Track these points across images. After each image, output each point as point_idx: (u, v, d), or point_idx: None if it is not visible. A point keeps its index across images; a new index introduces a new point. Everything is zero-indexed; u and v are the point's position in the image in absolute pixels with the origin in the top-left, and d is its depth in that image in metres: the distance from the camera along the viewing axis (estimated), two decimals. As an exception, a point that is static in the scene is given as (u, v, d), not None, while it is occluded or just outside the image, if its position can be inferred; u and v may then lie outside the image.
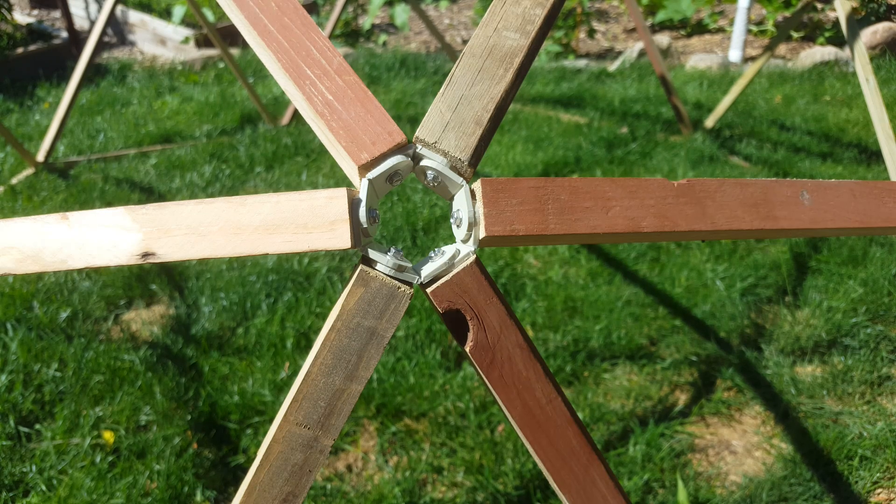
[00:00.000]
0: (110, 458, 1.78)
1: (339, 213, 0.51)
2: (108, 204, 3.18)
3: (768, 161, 3.57)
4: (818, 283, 2.48)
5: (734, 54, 5.48)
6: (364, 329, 0.56)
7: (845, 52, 5.17)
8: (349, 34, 6.25)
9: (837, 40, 5.54)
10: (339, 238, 0.51)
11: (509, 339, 0.52)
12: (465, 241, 0.51)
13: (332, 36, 5.43)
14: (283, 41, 0.53)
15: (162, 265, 2.67)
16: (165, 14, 5.80)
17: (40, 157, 3.42)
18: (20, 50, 4.95)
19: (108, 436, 1.84)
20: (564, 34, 5.86)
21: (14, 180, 3.34)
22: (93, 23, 6.01)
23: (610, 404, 1.97)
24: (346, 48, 5.96)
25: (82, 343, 2.17)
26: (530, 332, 2.26)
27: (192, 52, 5.49)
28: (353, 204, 0.51)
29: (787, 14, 6.03)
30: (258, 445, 1.86)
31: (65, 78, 4.77)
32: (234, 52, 5.31)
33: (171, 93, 4.76)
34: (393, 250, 0.58)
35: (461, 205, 0.50)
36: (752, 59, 5.53)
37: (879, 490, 1.71)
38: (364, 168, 0.50)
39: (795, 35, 5.88)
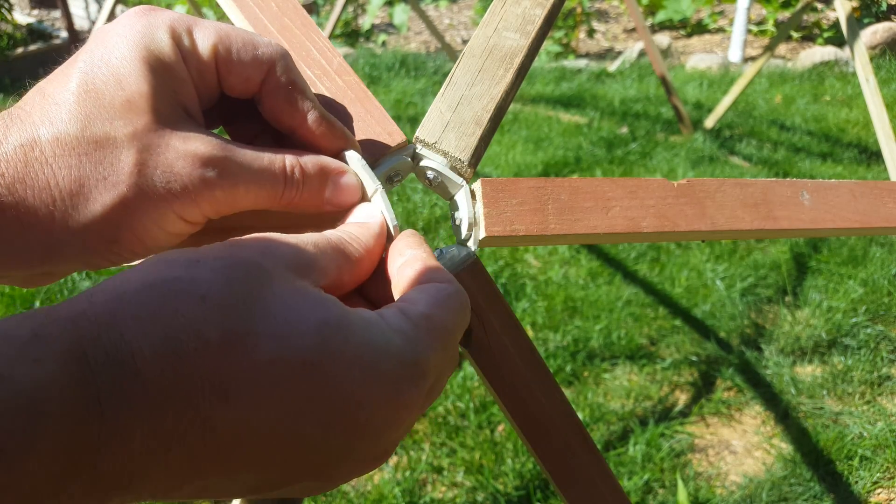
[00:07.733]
0: (110, 458, 1.78)
1: (339, 213, 0.50)
2: (108, 204, 3.17)
3: (768, 161, 3.57)
4: (818, 283, 2.48)
5: (734, 54, 5.48)
6: (364, 329, 0.55)
7: (845, 52, 5.17)
8: (349, 34, 6.25)
9: (837, 40, 5.54)
10: (339, 238, 0.51)
11: (509, 339, 0.51)
12: (464, 242, 0.51)
13: (332, 36, 5.43)
14: (283, 41, 0.53)
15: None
16: (165, 14, 5.80)
17: (40, 157, 3.41)
18: (20, 50, 4.95)
19: (108, 436, 1.84)
20: (564, 34, 5.87)
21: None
22: (93, 23, 6.00)
23: (610, 404, 1.97)
24: (346, 48, 5.96)
25: (82, 343, 2.17)
26: (530, 332, 2.26)
27: (192, 52, 5.49)
28: (354, 204, 0.51)
29: (787, 14, 6.03)
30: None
31: (65, 78, 4.76)
32: (234, 52, 5.30)
33: (171, 93, 4.75)
34: (393, 250, 0.57)
35: (461, 205, 0.50)
36: (752, 59, 5.53)
37: (879, 490, 1.71)
38: (364, 168, 0.50)
39: (795, 35, 5.88)
